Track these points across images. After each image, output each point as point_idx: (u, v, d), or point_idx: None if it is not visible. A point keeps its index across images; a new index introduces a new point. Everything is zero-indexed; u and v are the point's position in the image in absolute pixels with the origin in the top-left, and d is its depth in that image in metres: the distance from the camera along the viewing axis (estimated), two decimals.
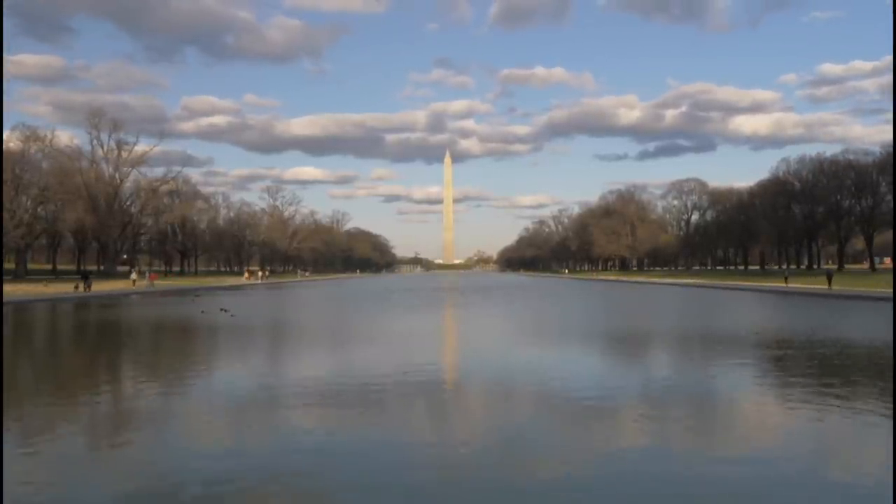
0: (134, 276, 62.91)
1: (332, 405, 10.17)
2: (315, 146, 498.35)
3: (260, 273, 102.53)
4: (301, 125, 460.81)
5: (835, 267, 74.21)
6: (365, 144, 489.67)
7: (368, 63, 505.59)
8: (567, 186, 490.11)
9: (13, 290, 45.85)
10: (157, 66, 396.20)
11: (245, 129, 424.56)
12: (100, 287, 55.68)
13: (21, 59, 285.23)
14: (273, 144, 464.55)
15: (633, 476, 6.77)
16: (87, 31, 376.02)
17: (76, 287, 49.90)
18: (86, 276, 53.29)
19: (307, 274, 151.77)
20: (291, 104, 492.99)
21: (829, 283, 48.33)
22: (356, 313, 30.94)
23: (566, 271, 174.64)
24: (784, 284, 56.80)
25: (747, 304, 36.61)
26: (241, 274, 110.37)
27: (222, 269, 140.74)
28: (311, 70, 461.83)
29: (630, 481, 6.64)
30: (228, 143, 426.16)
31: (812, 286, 52.46)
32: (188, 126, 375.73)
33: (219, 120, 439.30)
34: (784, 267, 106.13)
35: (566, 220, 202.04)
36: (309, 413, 9.73)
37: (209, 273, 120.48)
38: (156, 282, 64.77)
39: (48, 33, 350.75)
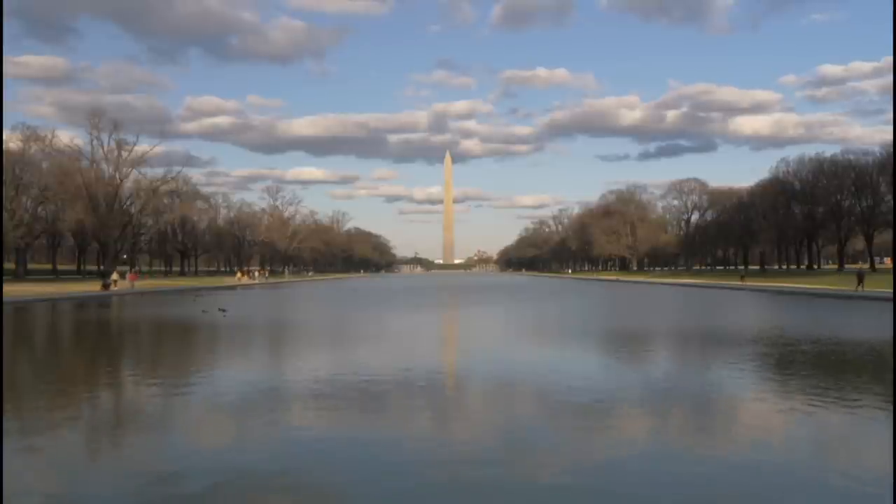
0: (114, 276, 58.99)
1: (347, 406, 10.20)
2: (317, 146, 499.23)
3: (257, 273, 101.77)
4: (303, 125, 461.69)
5: (866, 266, 68.64)
6: (367, 145, 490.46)
7: (371, 64, 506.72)
8: (568, 187, 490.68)
9: (19, 290, 45.85)
10: (161, 67, 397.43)
11: (248, 129, 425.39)
12: (75, 287, 54.39)
13: (25, 61, 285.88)
14: (275, 145, 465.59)
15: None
16: (90, 32, 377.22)
17: (103, 287, 52.51)
18: (104, 276, 56.96)
19: (310, 274, 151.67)
20: (294, 104, 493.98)
21: (860, 284, 43.63)
22: (372, 319, 30.89)
23: (569, 271, 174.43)
24: (741, 282, 64.76)
25: (744, 304, 36.73)
26: (247, 273, 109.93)
27: (222, 269, 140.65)
28: (313, 71, 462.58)
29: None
30: (231, 144, 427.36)
31: (815, 286, 52.46)
32: (191, 126, 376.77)
33: (222, 120, 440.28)
34: (784, 266, 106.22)
35: (566, 220, 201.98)
36: (322, 413, 9.74)
37: (209, 273, 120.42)
38: (136, 283, 60.78)
39: (52, 35, 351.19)
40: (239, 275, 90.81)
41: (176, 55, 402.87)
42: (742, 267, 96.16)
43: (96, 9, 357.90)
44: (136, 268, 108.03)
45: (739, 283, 65.15)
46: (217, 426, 9.14)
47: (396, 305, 38.57)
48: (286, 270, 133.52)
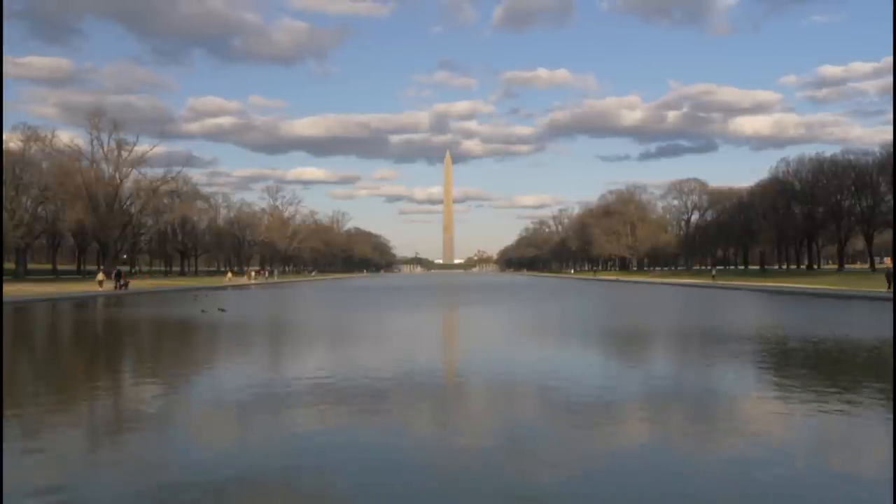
0: (100, 276, 56.36)
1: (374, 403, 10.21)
2: (319, 147, 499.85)
3: (254, 273, 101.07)
4: (305, 126, 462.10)
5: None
6: (368, 145, 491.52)
7: (373, 65, 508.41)
8: (569, 187, 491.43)
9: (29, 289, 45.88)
10: (165, 67, 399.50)
11: (250, 129, 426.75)
12: (69, 288, 53.61)
13: (29, 62, 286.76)
14: (277, 145, 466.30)
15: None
16: (95, 33, 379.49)
17: (117, 286, 54.07)
18: (119, 275, 56.98)
19: (313, 274, 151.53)
20: (296, 105, 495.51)
21: (890, 286, 38.26)
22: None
23: (572, 271, 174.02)
24: (713, 280, 72.29)
25: (747, 304, 36.79)
26: (241, 273, 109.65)
27: (222, 269, 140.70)
28: (316, 71, 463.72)
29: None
30: (233, 144, 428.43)
31: (815, 286, 52.52)
32: (194, 127, 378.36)
33: (224, 121, 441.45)
34: (784, 266, 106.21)
35: (566, 220, 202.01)
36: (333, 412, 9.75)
37: (209, 273, 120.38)
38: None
39: (57, 36, 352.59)
40: (229, 275, 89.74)
41: (179, 56, 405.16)
42: (712, 268, 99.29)
43: (101, 10, 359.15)
44: (136, 267, 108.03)
45: (711, 281, 71.72)
46: (216, 426, 9.14)
47: (397, 305, 38.53)
48: (274, 272, 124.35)
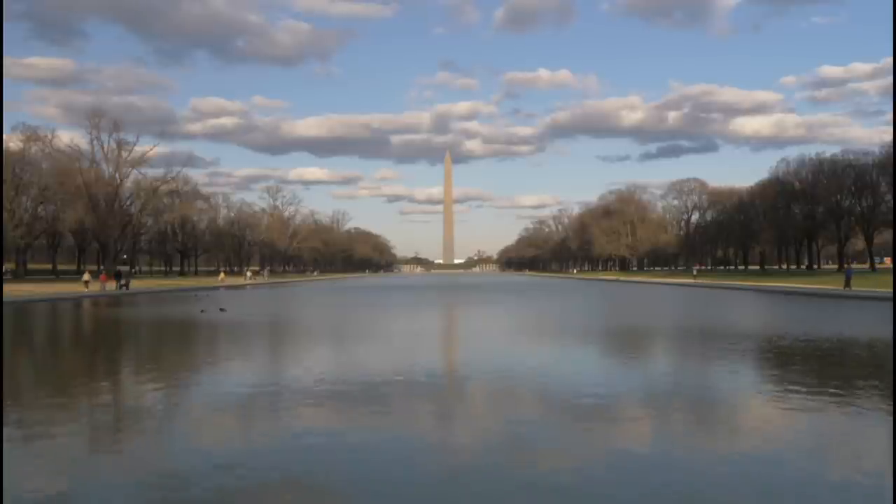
0: (86, 276, 54.38)
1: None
2: (321, 147, 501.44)
3: (250, 273, 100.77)
4: (307, 126, 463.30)
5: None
6: (370, 145, 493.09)
7: (375, 65, 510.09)
8: (569, 187, 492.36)
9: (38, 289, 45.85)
10: (167, 68, 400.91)
11: (252, 129, 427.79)
12: (55, 288, 52.76)
13: (32, 62, 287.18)
14: (279, 145, 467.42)
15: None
16: (98, 34, 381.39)
17: (118, 287, 54.74)
18: (119, 276, 57.25)
19: (315, 274, 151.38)
20: (298, 105, 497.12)
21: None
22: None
23: (575, 271, 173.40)
24: (693, 279, 75.94)
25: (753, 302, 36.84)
26: (240, 273, 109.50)
27: (221, 269, 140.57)
28: (318, 72, 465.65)
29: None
30: (235, 144, 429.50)
31: (816, 286, 52.54)
32: (196, 127, 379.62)
33: (226, 121, 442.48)
34: (784, 266, 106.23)
35: (566, 220, 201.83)
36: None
37: (209, 273, 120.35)
38: (108, 284, 55.36)
39: (60, 37, 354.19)
40: (222, 275, 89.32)
41: (182, 57, 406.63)
42: (695, 267, 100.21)
43: (104, 11, 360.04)
44: (136, 267, 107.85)
45: (692, 280, 75.25)
46: (218, 426, 9.14)
47: (399, 305, 38.49)
48: (265, 272, 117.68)
